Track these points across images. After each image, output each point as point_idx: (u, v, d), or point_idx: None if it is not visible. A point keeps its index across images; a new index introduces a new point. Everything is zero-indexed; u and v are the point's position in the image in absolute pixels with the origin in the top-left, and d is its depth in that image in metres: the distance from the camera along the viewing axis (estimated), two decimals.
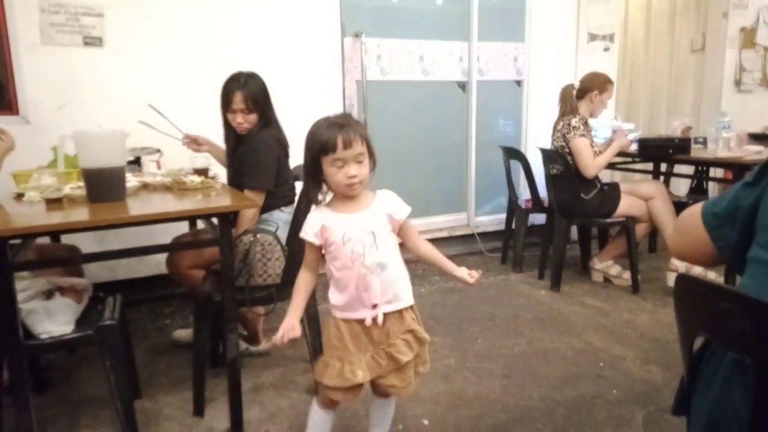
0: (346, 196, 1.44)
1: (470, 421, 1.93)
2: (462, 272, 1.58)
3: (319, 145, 1.38)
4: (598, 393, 2.10)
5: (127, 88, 2.87)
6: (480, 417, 1.95)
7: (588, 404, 2.02)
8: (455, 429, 1.88)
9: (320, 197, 1.47)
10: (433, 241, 3.89)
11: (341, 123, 1.39)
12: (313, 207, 1.49)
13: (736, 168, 2.98)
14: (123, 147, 1.88)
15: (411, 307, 1.53)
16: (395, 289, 1.47)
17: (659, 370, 2.26)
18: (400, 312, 1.48)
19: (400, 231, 1.50)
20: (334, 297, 1.48)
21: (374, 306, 1.44)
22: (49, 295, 1.78)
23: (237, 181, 2.21)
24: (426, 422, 1.92)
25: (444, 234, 3.93)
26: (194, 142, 2.45)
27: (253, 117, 2.17)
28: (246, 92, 2.14)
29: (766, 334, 0.73)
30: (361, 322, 1.45)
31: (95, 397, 2.09)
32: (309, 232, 1.45)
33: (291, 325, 1.45)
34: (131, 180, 2.09)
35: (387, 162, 3.69)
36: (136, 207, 1.81)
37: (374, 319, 1.44)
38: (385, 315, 1.46)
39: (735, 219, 0.93)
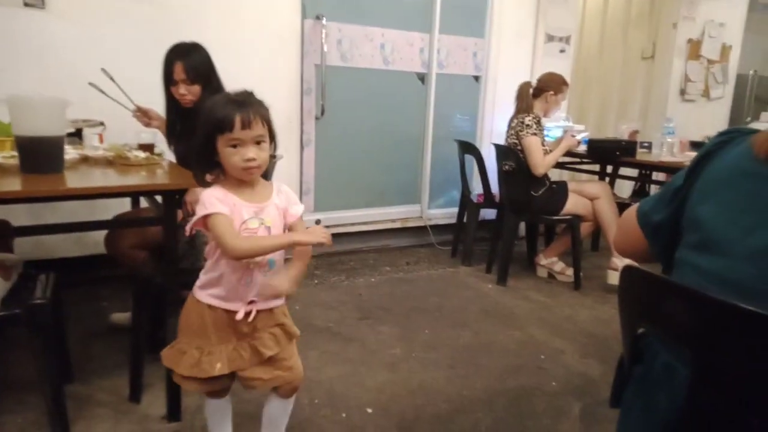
0: (241, 180, 1.34)
1: (414, 410, 1.94)
2: (279, 279, 1.42)
3: (215, 122, 1.27)
4: (537, 384, 2.15)
5: (71, 54, 2.71)
6: (423, 406, 1.97)
7: (528, 395, 2.07)
8: (399, 418, 1.89)
9: (209, 179, 1.36)
10: (385, 231, 3.92)
11: (241, 101, 1.29)
12: (209, 188, 1.35)
13: (678, 172, 3.11)
14: (62, 115, 1.76)
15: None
16: None
17: (596, 363, 2.34)
18: (270, 309, 1.42)
19: (290, 228, 1.42)
20: (210, 284, 1.38)
21: (251, 302, 1.37)
22: None
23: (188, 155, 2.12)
24: (370, 410, 1.92)
25: (397, 225, 3.94)
26: (145, 116, 2.34)
27: (196, 88, 2.10)
28: (187, 62, 2.07)
29: (707, 328, 0.75)
30: (230, 312, 1.37)
31: (22, 380, 1.98)
32: (218, 205, 1.29)
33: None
34: (70, 152, 1.98)
35: (343, 150, 3.71)
36: (75, 180, 1.71)
37: (246, 314, 1.36)
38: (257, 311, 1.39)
39: (663, 218, 0.96)
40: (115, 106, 2.27)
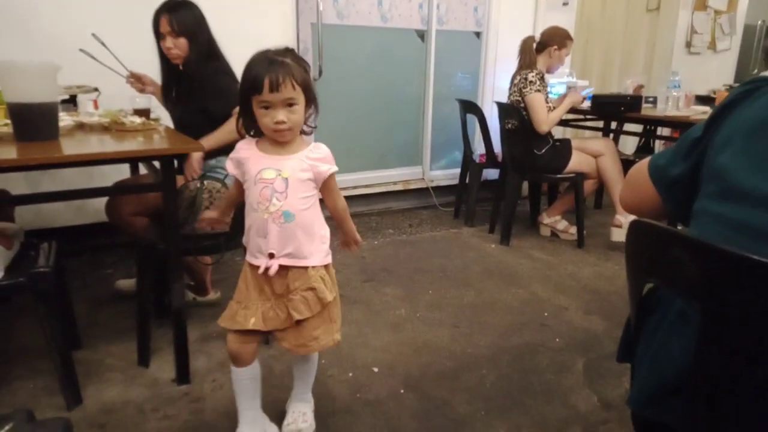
0: (274, 139, 1.36)
1: (419, 368, 1.96)
2: (350, 236, 1.56)
3: (247, 82, 1.28)
4: (541, 341, 2.17)
5: (57, 19, 2.64)
6: (428, 364, 1.99)
7: (531, 351, 2.09)
8: (404, 376, 1.91)
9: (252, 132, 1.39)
10: (387, 194, 3.90)
11: (273, 60, 1.27)
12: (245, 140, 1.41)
13: (684, 127, 3.06)
14: (54, 81, 1.72)
15: (326, 267, 1.45)
16: (298, 245, 1.37)
17: (599, 320, 2.35)
18: (305, 269, 1.39)
19: (322, 187, 1.42)
20: (245, 237, 1.45)
21: (271, 255, 1.37)
22: None
23: (197, 118, 2.08)
24: (376, 369, 1.94)
25: (399, 187, 3.91)
26: (138, 81, 2.30)
27: (182, 42, 2.05)
28: (172, 15, 2.04)
29: (716, 279, 0.74)
30: (259, 268, 1.40)
31: (31, 348, 2.00)
32: (229, 161, 1.42)
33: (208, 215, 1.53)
34: (65, 119, 1.94)
35: (342, 112, 3.66)
36: (71, 147, 1.68)
37: (267, 269, 1.37)
38: (286, 268, 1.38)
39: (681, 172, 0.93)
40: (109, 72, 2.22)
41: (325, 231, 1.46)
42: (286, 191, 1.35)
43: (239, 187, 1.45)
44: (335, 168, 1.41)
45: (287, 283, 1.39)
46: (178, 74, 2.12)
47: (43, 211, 2.68)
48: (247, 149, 1.39)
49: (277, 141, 1.35)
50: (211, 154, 2.07)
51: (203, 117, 2.06)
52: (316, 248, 1.42)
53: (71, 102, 2.30)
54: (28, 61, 1.70)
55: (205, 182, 1.97)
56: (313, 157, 1.37)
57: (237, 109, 1.38)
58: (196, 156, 2.03)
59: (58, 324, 1.66)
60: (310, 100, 1.34)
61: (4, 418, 0.92)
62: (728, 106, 0.87)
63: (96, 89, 2.38)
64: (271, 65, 1.26)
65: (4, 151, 1.58)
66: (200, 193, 1.94)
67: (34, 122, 1.67)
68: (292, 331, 1.41)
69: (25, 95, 1.64)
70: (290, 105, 1.29)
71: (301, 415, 1.61)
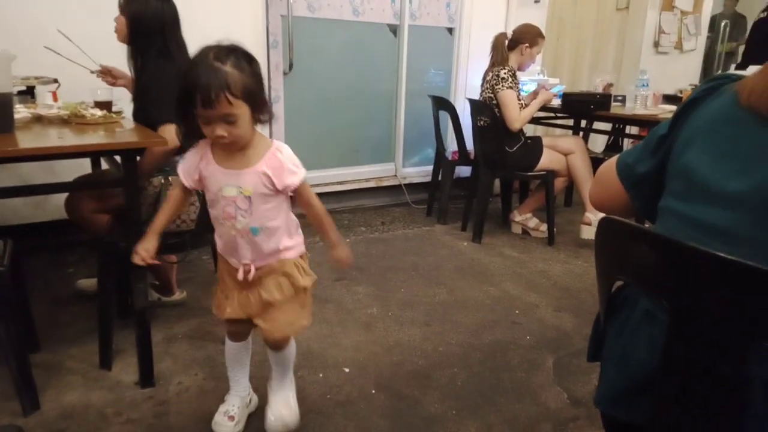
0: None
1: (390, 367, 1.95)
2: (339, 252, 1.44)
3: (184, 91, 1.18)
4: (512, 338, 2.18)
5: (22, 6, 2.52)
6: (400, 363, 1.97)
7: (503, 349, 2.10)
8: (376, 375, 1.89)
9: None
10: (360, 191, 3.87)
11: (210, 69, 1.15)
12: (201, 141, 1.32)
13: (652, 126, 3.09)
14: (8, 70, 1.64)
15: (301, 256, 1.45)
16: (272, 251, 1.38)
17: (570, 317, 2.37)
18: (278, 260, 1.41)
19: (294, 195, 1.37)
20: (216, 237, 1.44)
21: (245, 265, 1.38)
22: None
23: (139, 116, 2.00)
24: (347, 370, 1.92)
25: (371, 184, 3.89)
26: (109, 74, 2.21)
27: (121, 20, 1.97)
28: (122, 3, 1.97)
29: (684, 277, 0.74)
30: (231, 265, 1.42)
31: None
32: (181, 170, 1.35)
33: (144, 249, 1.38)
34: (22, 111, 1.87)
35: (314, 107, 3.60)
36: (27, 140, 1.60)
37: (245, 273, 1.38)
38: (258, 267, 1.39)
39: (647, 169, 0.94)
40: (69, 63, 2.13)
41: (296, 225, 1.44)
42: (249, 208, 1.31)
43: (184, 195, 1.41)
44: (303, 173, 1.32)
45: (259, 275, 1.40)
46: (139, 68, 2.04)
47: (0, 208, 2.57)
48: (201, 158, 1.31)
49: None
50: (175, 152, 1.99)
51: (145, 117, 1.97)
52: (290, 245, 1.41)
53: (29, 93, 2.20)
54: None
55: (170, 178, 1.91)
56: (275, 167, 1.29)
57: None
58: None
59: (13, 326, 1.59)
60: (257, 107, 1.24)
61: None
62: (692, 104, 0.88)
63: (56, 80, 2.28)
64: (207, 77, 1.15)
65: None
66: (164, 189, 1.88)
67: None
68: (265, 315, 1.42)
69: None
70: (228, 121, 1.19)
71: (284, 403, 1.57)
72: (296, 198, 1.39)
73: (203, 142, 1.32)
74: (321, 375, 1.88)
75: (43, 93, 2.18)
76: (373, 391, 1.80)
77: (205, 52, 1.19)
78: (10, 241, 1.76)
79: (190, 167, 1.34)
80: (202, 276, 2.63)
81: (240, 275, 1.38)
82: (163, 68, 1.92)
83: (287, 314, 1.42)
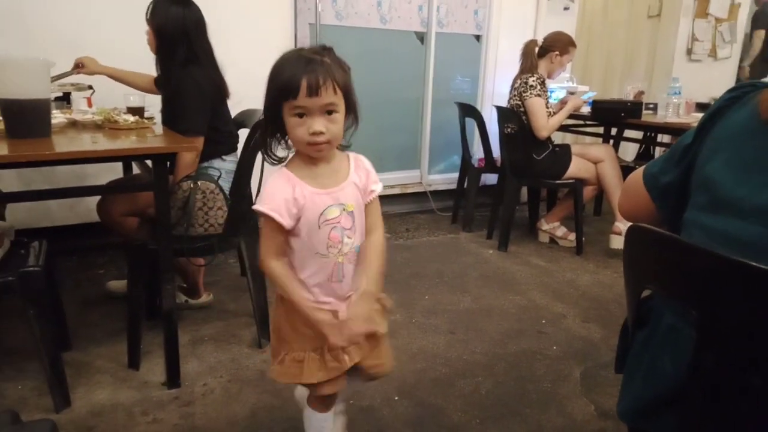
0: (310, 156, 1.13)
1: (414, 374, 1.93)
2: (357, 307, 1.17)
3: (279, 86, 1.06)
4: (538, 348, 2.14)
5: (55, 15, 2.61)
6: (423, 370, 1.96)
7: (528, 359, 2.06)
8: (399, 382, 1.88)
9: (280, 154, 1.15)
10: (385, 198, 3.85)
11: (311, 59, 1.05)
12: (276, 172, 1.14)
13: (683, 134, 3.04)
14: (47, 78, 1.70)
15: None
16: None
17: (598, 328, 2.32)
18: None
19: (366, 207, 1.22)
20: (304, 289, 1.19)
21: (348, 297, 1.20)
22: None
23: (168, 123, 2.05)
24: None
25: (396, 191, 3.89)
26: (81, 66, 2.26)
27: (150, 32, 2.02)
28: (150, 4, 2.01)
29: (713, 287, 0.72)
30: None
31: (20, 348, 1.96)
32: (278, 208, 1.10)
33: (333, 320, 1.13)
34: (58, 116, 1.93)
35: None
36: (62, 144, 1.65)
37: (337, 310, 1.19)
38: None
39: (672, 179, 0.92)
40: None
41: None
42: (353, 225, 1.16)
43: (285, 234, 1.15)
44: (380, 184, 1.21)
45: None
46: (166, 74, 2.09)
47: (35, 210, 2.65)
48: (291, 189, 1.11)
49: (312, 160, 1.13)
50: (202, 158, 2.03)
51: (173, 125, 1.99)
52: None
53: (65, 99, 2.27)
54: (20, 57, 1.68)
55: (199, 182, 1.94)
56: (363, 175, 1.18)
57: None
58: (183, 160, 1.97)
59: (47, 324, 1.63)
60: (350, 108, 1.13)
61: None
62: (716, 113, 0.86)
63: (90, 87, 2.35)
64: (309, 65, 1.04)
65: None
66: (193, 194, 1.92)
67: (27, 119, 1.64)
68: (373, 350, 1.24)
69: (18, 91, 1.61)
70: (330, 112, 1.08)
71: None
72: (366, 213, 1.22)
73: (279, 173, 1.14)
74: None
75: (78, 99, 2.26)
76: (396, 398, 1.79)
77: (297, 49, 1.10)
78: (45, 242, 1.81)
79: (286, 201, 1.10)
80: (228, 279, 2.66)
81: (343, 313, 1.17)
82: (191, 75, 1.96)
83: (387, 344, 1.27)
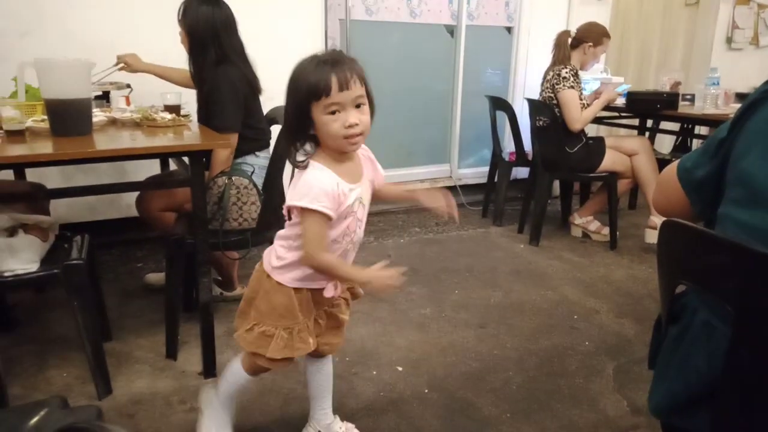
0: (343, 152, 1.18)
1: (444, 368, 1.94)
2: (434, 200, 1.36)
3: (308, 88, 1.10)
4: (570, 344, 2.12)
5: (95, 16, 2.70)
6: (453, 364, 1.96)
7: (560, 354, 2.05)
8: (429, 375, 1.89)
9: (300, 158, 1.19)
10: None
11: (334, 59, 1.12)
12: (315, 169, 1.17)
13: None
14: (88, 77, 1.76)
15: None
16: None
17: (631, 323, 2.29)
18: None
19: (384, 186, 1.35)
20: (292, 267, 1.25)
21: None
22: (12, 232, 1.70)
23: (203, 120, 2.09)
24: (400, 369, 1.93)
25: (426, 185, 3.88)
26: (124, 63, 2.33)
27: (182, 32, 2.06)
28: (182, 5, 2.05)
29: (750, 282, 0.71)
30: (315, 290, 1.28)
31: (64, 337, 2.05)
32: (325, 200, 1.14)
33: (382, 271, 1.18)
34: (98, 115, 1.99)
35: None
36: (103, 142, 1.72)
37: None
38: None
39: (706, 174, 0.90)
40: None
41: None
42: (364, 216, 1.27)
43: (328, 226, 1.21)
44: (382, 171, 1.34)
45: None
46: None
47: (77, 205, 2.75)
48: (335, 181, 1.17)
49: (343, 154, 1.19)
50: (236, 154, 2.07)
51: (208, 123, 2.05)
52: None
53: (105, 98, 2.35)
54: (64, 58, 1.75)
55: (233, 178, 1.98)
56: (370, 166, 1.29)
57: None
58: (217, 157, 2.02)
59: (90, 315, 1.70)
60: (370, 100, 1.19)
61: (40, 404, 0.95)
62: (752, 106, 0.84)
63: (128, 86, 2.42)
64: (336, 64, 1.11)
65: (41, 146, 1.63)
66: (228, 189, 1.96)
67: (69, 118, 1.71)
68: (333, 331, 1.40)
69: (62, 91, 1.68)
70: (359, 105, 1.14)
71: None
72: (378, 190, 1.33)
73: (319, 170, 1.17)
74: (374, 372, 1.90)
75: (117, 98, 2.33)
76: (426, 391, 1.81)
77: (312, 56, 1.15)
78: (87, 236, 1.89)
79: (332, 197, 1.16)
80: None
81: (330, 293, 1.27)
82: (223, 74, 2.00)
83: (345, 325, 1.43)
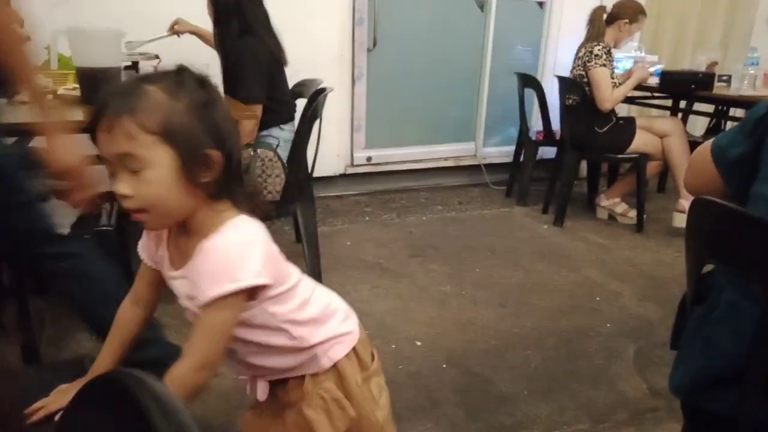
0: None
1: (462, 344, 1.95)
2: None
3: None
4: (591, 325, 2.11)
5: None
6: (472, 341, 1.97)
7: (580, 335, 2.04)
8: (447, 351, 1.90)
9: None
10: (438, 170, 3.85)
11: (122, 87, 0.77)
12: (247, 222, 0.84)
13: None
14: (119, 47, 1.79)
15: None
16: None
17: (655, 307, 2.26)
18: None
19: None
20: (321, 324, 0.93)
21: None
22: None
23: (229, 92, 2.11)
24: (419, 343, 1.95)
25: (449, 164, 3.86)
26: (174, 28, 2.41)
27: (210, 4, 2.09)
28: None
29: None
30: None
31: None
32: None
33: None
34: None
35: (396, 84, 3.61)
36: None
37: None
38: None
39: (742, 152, 0.88)
40: (168, 40, 2.30)
41: None
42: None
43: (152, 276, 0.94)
44: (226, 288, 0.75)
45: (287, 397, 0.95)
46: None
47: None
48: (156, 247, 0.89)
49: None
50: (260, 127, 2.08)
51: (233, 94, 2.06)
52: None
53: (134, 68, 2.37)
54: (95, 28, 1.77)
55: (258, 150, 2.00)
56: (195, 275, 0.79)
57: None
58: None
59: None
60: (195, 155, 0.75)
61: (71, 362, 0.99)
62: None
63: (157, 56, 2.45)
64: (112, 95, 0.74)
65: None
66: (253, 162, 1.98)
67: (100, 86, 1.73)
68: None
69: (92, 60, 1.70)
70: (132, 170, 0.73)
71: None
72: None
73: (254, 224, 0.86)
74: (393, 346, 1.92)
75: (146, 68, 2.35)
76: (444, 366, 1.82)
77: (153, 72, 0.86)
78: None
79: (149, 251, 0.95)
80: (283, 245, 2.71)
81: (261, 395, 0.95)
82: (247, 45, 2.01)
83: None
